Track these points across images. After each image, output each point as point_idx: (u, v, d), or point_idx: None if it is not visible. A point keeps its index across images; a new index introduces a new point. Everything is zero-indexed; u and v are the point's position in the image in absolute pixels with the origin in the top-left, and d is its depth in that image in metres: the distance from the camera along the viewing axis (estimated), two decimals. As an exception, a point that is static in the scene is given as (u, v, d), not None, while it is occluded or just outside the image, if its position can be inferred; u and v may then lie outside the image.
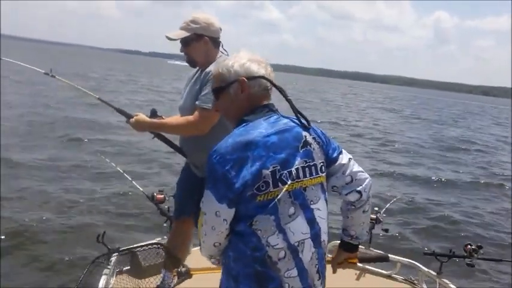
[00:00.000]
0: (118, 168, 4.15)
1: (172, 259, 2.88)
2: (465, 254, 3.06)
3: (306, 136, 1.61)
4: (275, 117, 1.62)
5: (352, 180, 1.73)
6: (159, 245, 3.03)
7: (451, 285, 3.12)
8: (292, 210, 1.53)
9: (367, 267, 3.60)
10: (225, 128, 2.66)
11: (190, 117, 2.68)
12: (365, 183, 1.75)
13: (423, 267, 3.39)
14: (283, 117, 1.65)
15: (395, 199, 4.98)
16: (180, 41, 2.75)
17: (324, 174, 1.65)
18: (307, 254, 1.56)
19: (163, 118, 2.87)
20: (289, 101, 1.65)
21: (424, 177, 11.97)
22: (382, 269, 3.62)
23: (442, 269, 3.19)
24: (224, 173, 1.49)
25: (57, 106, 16.86)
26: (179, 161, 3.01)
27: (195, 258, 2.91)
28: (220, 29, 2.80)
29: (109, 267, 3.01)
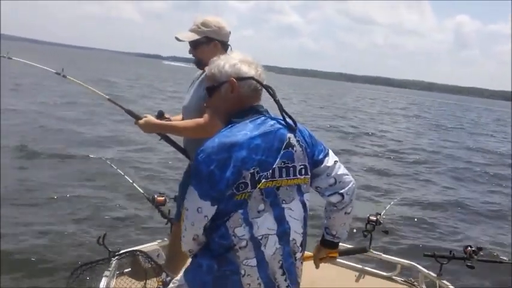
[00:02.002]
0: (119, 171, 4.16)
1: (155, 266, 2.87)
2: (465, 256, 3.07)
3: (289, 138, 1.67)
4: (262, 118, 1.68)
5: (335, 183, 1.80)
6: (142, 253, 3.02)
7: (451, 287, 3.13)
8: (261, 206, 1.62)
9: (367, 268, 3.62)
10: None
11: (200, 120, 2.66)
12: (348, 187, 1.81)
13: (423, 269, 3.40)
14: (271, 118, 1.70)
15: (395, 201, 4.99)
16: (190, 43, 2.76)
17: (303, 177, 1.71)
18: (270, 248, 1.64)
19: (170, 119, 2.88)
20: (276, 101, 1.70)
21: (425, 179, 11.98)
22: (382, 271, 3.63)
23: (442, 270, 3.20)
24: (209, 172, 1.56)
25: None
26: (181, 163, 3.02)
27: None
28: (229, 33, 2.80)
29: (110, 269, 3.02)
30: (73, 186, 7.79)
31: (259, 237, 1.62)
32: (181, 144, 2.96)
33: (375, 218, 3.36)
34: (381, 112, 38.51)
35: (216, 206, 1.58)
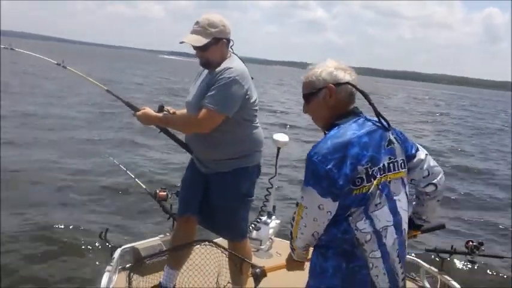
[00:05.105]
0: (121, 166, 4.17)
1: (235, 259, 2.74)
2: (467, 251, 3.07)
3: (389, 136, 1.82)
4: (362, 119, 1.82)
5: (428, 174, 1.95)
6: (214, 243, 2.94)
7: (453, 282, 3.13)
8: (378, 200, 1.73)
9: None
10: (236, 129, 2.70)
11: (195, 115, 2.67)
12: (439, 177, 1.97)
13: (425, 264, 3.40)
14: (368, 119, 1.83)
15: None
16: (199, 46, 2.70)
17: (404, 170, 1.85)
18: (390, 239, 1.75)
19: (170, 113, 2.87)
20: (372, 104, 1.83)
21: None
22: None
23: (444, 265, 3.20)
24: (327, 171, 1.67)
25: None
26: (184, 158, 3.03)
27: (199, 255, 2.92)
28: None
29: (112, 264, 3.03)
30: (74, 181, 7.81)
31: (380, 230, 1.73)
32: (183, 138, 2.96)
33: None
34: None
35: (337, 202, 1.69)
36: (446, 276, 3.19)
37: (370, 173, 1.70)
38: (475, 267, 5.41)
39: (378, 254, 1.72)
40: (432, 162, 1.96)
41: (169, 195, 3.58)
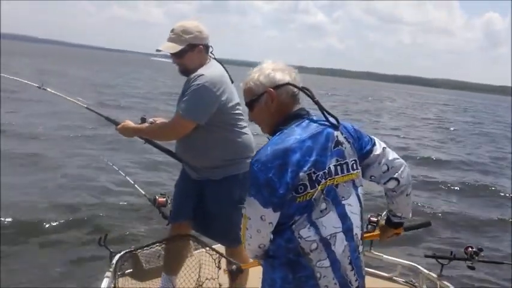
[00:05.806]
0: (121, 172, 4.16)
1: (214, 255, 2.82)
2: (466, 257, 3.06)
3: (337, 136, 1.71)
4: (306, 121, 1.72)
5: (388, 169, 1.84)
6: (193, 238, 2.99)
7: (452, 288, 3.13)
8: (323, 206, 1.64)
9: (368, 269, 3.60)
10: (220, 134, 2.70)
11: (166, 122, 2.75)
12: (401, 170, 1.85)
13: (424, 270, 3.40)
14: (314, 120, 1.73)
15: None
16: (174, 53, 2.71)
17: (356, 171, 1.74)
18: (340, 246, 1.66)
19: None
20: (316, 102, 1.74)
21: (425, 179, 11.95)
22: (382, 271, 3.63)
23: (443, 271, 3.20)
24: (267, 179, 1.59)
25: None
26: (180, 164, 3.05)
27: (197, 260, 2.92)
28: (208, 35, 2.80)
29: (111, 269, 3.02)
30: (74, 188, 7.80)
31: (328, 237, 1.64)
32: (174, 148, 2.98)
33: (375, 219, 3.35)
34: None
35: (278, 213, 1.62)
36: (445, 282, 3.18)
37: (314, 178, 1.61)
38: (474, 273, 5.42)
39: (327, 263, 1.64)
40: (392, 156, 1.84)
41: (169, 201, 3.57)
